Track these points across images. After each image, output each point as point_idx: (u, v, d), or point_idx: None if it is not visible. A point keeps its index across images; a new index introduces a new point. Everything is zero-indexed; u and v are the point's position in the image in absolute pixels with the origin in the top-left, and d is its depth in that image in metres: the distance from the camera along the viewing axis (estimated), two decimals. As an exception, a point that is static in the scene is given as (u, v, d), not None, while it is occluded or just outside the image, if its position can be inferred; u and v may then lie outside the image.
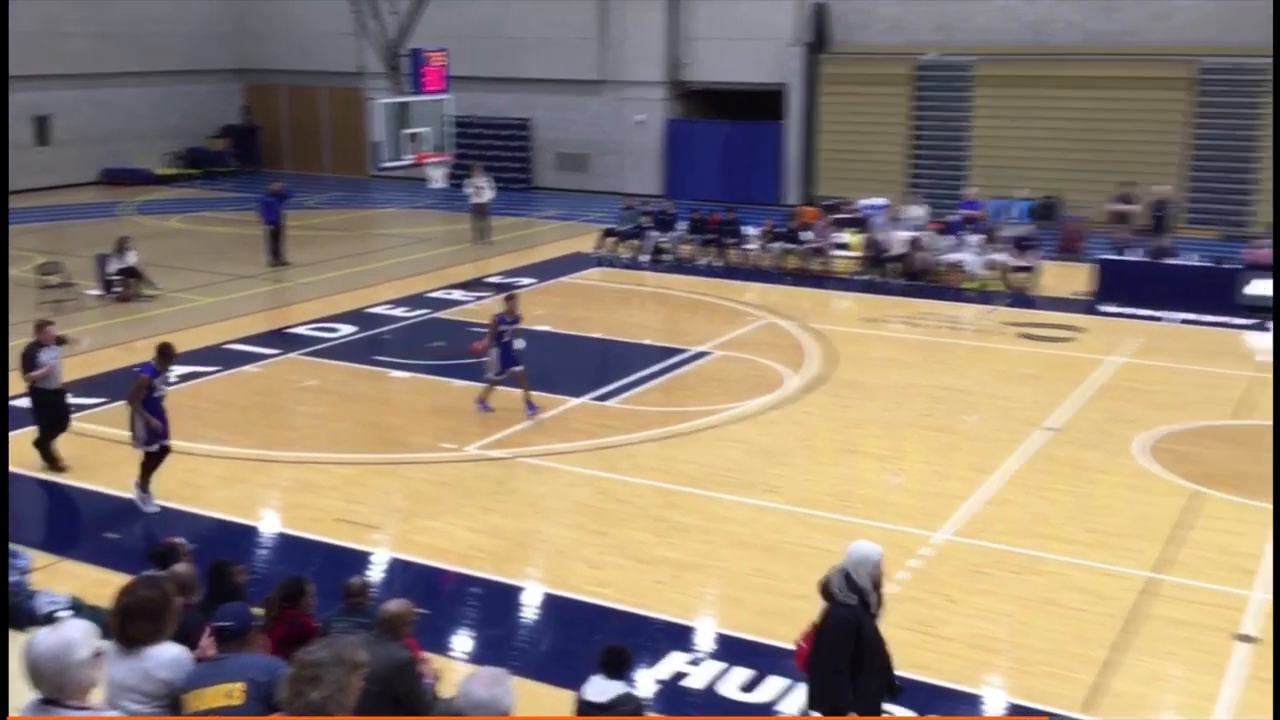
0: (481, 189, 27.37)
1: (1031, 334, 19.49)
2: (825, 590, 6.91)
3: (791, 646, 9.33)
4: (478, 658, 9.30)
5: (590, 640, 8.79)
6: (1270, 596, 10.23)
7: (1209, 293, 20.96)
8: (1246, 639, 9.57)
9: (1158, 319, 20.33)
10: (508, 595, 10.45)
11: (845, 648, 6.66)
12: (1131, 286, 21.48)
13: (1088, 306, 21.35)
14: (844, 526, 11.72)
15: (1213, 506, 12.26)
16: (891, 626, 9.64)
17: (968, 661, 9.25)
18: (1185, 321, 20.24)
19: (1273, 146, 21.85)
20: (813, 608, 10.04)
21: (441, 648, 9.19)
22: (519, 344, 15.03)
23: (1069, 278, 22.76)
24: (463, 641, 9.71)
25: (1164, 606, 10.13)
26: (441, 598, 10.41)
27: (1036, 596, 10.28)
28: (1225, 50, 27.41)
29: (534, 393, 15.03)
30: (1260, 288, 20.79)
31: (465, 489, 12.78)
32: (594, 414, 15.24)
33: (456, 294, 22.13)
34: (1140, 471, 13.31)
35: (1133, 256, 22.81)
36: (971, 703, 8.77)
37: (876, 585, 6.81)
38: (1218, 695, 8.80)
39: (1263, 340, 19.25)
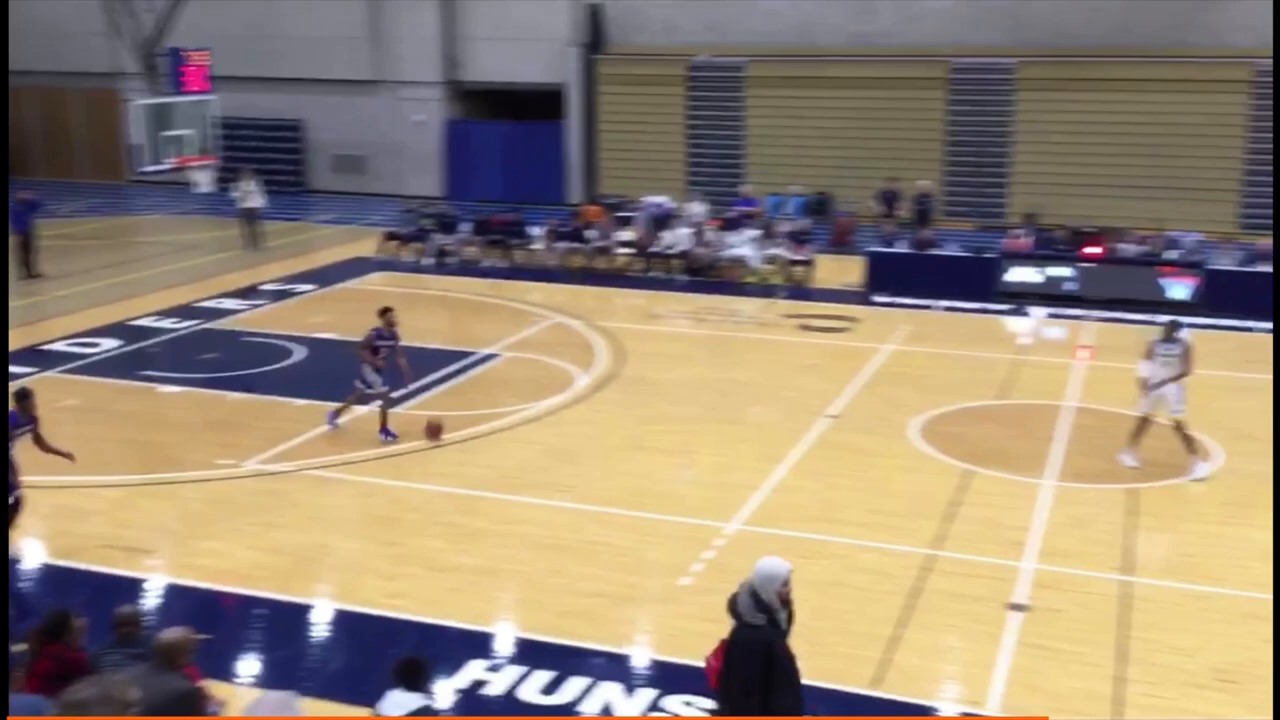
0: (251, 193, 26.35)
1: (810, 325, 20.12)
2: (734, 609, 6.58)
3: (589, 646, 9.36)
4: (266, 682, 8.89)
5: (386, 654, 8.50)
6: (1036, 565, 10.85)
7: (970, 281, 22.14)
8: (1019, 608, 10.09)
9: (925, 307, 21.34)
10: (296, 614, 10.04)
11: (754, 669, 6.38)
12: (900, 277, 22.48)
13: (861, 297, 22.22)
14: (639, 523, 11.80)
15: (982, 483, 12.91)
16: (689, 618, 9.83)
17: (764, 648, 9.42)
18: (949, 309, 21.31)
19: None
20: (611, 606, 10.11)
21: (226, 674, 8.73)
22: (401, 363, 14.36)
23: (842, 270, 23.62)
24: (249, 666, 9.25)
25: (942, 581, 10.59)
26: (224, 622, 9.90)
27: (825, 579, 10.57)
28: (974, 50, 29.03)
29: (318, 403, 14.51)
30: (1017, 275, 22.13)
31: (245, 506, 12.22)
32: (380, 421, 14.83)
33: (229, 303, 21.19)
34: (915, 453, 13.90)
35: (899, 248, 23.87)
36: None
37: (785, 602, 6.54)
38: (994, 663, 9.24)
39: (1021, 324, 20.47)
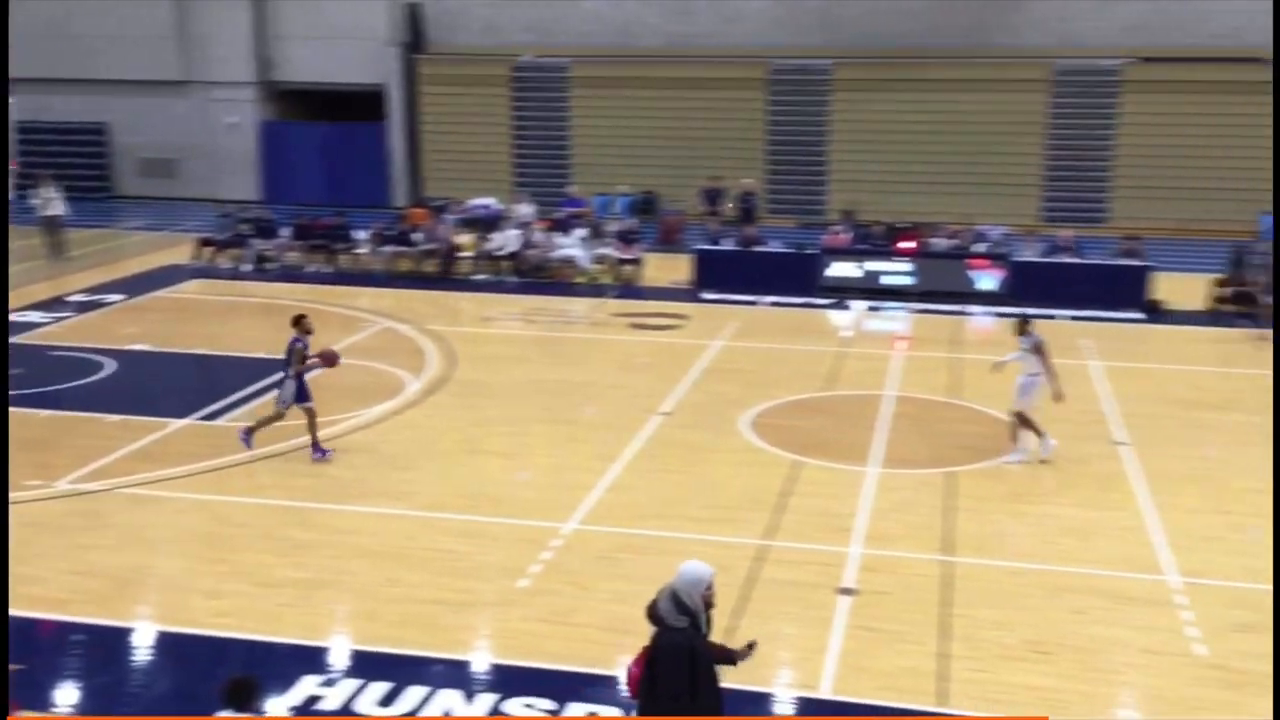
0: (51, 200, 25.09)
1: (641, 324, 20.31)
2: (653, 615, 6.52)
3: (427, 654, 9.24)
4: (86, 710, 8.48)
5: (214, 675, 8.21)
6: (863, 550, 11.22)
7: (794, 277, 22.73)
8: (848, 592, 10.41)
9: (751, 303, 21.80)
10: (117, 638, 9.59)
11: (681, 674, 6.34)
12: (727, 274, 22.92)
13: (689, 295, 22.55)
14: (475, 527, 11.70)
15: (810, 473, 13.26)
16: (527, 620, 9.80)
17: (604, 646, 9.46)
18: (775, 304, 21.83)
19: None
20: (449, 612, 9.99)
21: (43, 704, 8.30)
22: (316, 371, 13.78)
23: (670, 268, 23.92)
24: (68, 695, 8.80)
25: (775, 570, 10.84)
26: (39, 650, 9.39)
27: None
28: (791, 52, 29.80)
29: (134, 418, 13.89)
30: (838, 270, 22.82)
31: (58, 528, 11.62)
32: (201, 435, 14.32)
33: (33, 315, 20.11)
34: (746, 447, 14.19)
35: (726, 246, 24.32)
36: (609, 686, 8.98)
37: (708, 605, 6.55)
38: (826, 646, 9.50)
39: (843, 317, 21.12)
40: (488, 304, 21.94)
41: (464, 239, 24.77)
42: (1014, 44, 28.92)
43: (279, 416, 13.62)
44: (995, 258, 22.68)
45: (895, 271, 22.70)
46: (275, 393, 13.83)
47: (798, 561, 11.06)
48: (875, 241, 24.06)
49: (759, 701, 8.82)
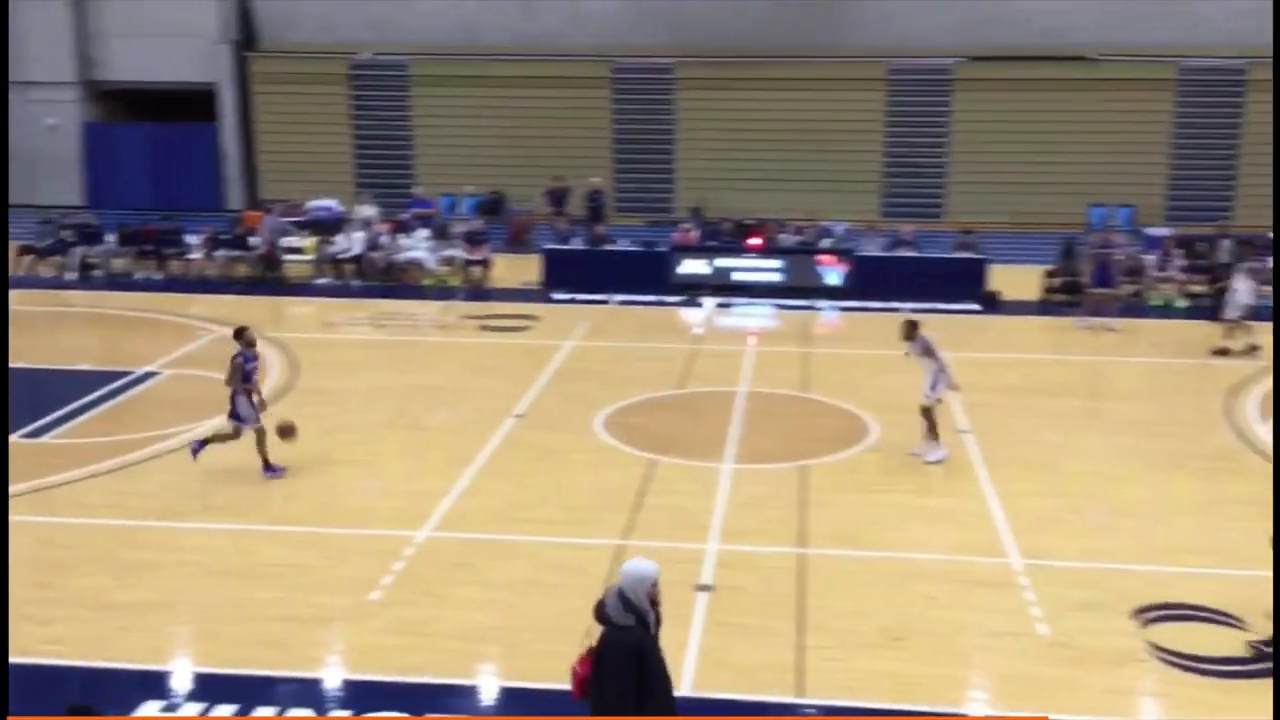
0: None
1: (491, 325, 20.06)
2: (601, 614, 6.40)
3: (277, 673, 8.87)
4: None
5: (49, 706, 7.74)
6: (720, 546, 11.26)
7: (644, 275, 22.77)
8: (705, 588, 10.42)
9: (603, 302, 21.76)
10: (-66, 676, 8.94)
11: (629, 673, 6.25)
12: (577, 273, 22.82)
13: (540, 295, 22.39)
14: (325, 539, 11.33)
15: (666, 471, 13.26)
16: (381, 633, 9.52)
17: (460, 655, 9.27)
18: (625, 302, 21.82)
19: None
20: (299, 629, 9.63)
21: None
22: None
23: (520, 269, 23.71)
24: (-122, 741, 8.16)
25: (634, 570, 10.77)
26: None
27: (521, 580, 10.53)
28: (635, 51, 29.87)
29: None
30: (688, 267, 22.95)
31: None
32: (24, 454, 13.50)
33: None
34: (602, 447, 14.11)
35: (575, 245, 24.22)
36: (468, 695, 8.79)
37: (655, 603, 6.42)
38: (686, 644, 9.48)
39: (695, 314, 21.25)
40: (331, 309, 21.36)
41: (305, 242, 24.08)
42: (852, 44, 29.56)
43: (262, 432, 12.93)
44: (840, 253, 23.14)
45: (744, 268, 22.96)
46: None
47: (657, 560, 10.99)
48: (724, 238, 24.29)
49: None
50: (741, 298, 22.28)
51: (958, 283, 22.09)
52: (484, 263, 23.40)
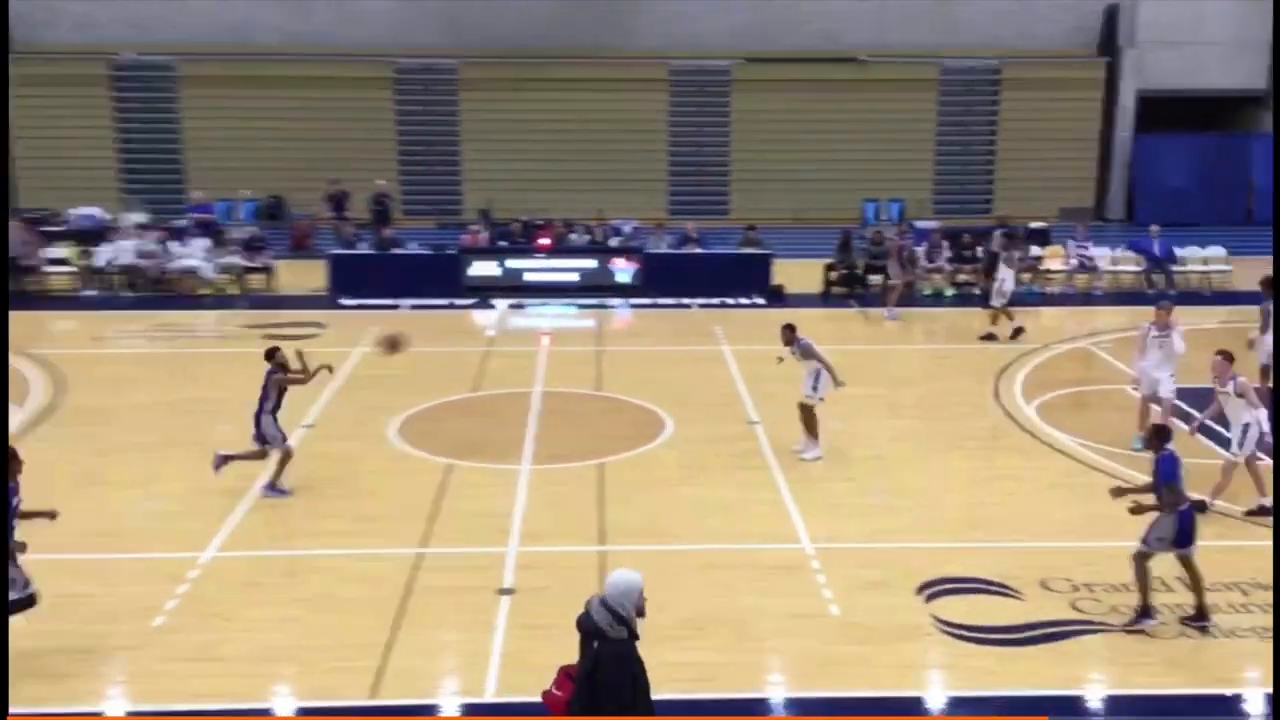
0: None
1: (276, 334, 19.33)
2: (590, 628, 6.27)
3: (52, 710, 8.32)
4: None
5: None
6: (520, 548, 11.21)
7: (435, 278, 22.45)
8: (507, 592, 10.35)
9: (393, 307, 21.34)
10: None
11: (626, 685, 6.19)
12: (365, 278, 22.33)
13: (326, 301, 21.78)
14: (101, 566, 10.72)
15: (464, 476, 13.10)
16: (166, 660, 9.06)
17: (252, 677, 8.91)
18: (416, 307, 21.46)
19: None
20: (75, 660, 9.05)
21: None
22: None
23: (305, 275, 23.00)
24: None
25: (433, 578, 10.60)
26: None
27: (315, 595, 10.21)
28: (416, 51, 29.44)
29: None
30: (479, 269, 22.76)
31: None
32: None
33: None
34: (398, 454, 13.83)
35: (362, 250, 23.68)
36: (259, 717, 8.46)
37: (640, 614, 6.36)
38: (490, 650, 9.39)
39: (487, 317, 21.07)
40: (100, 323, 20.22)
41: (67, 252, 22.71)
42: (632, 45, 29.94)
43: (288, 452, 12.59)
44: (630, 251, 23.38)
45: (536, 268, 22.93)
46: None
47: (456, 567, 10.88)
48: (514, 240, 24.19)
49: (429, 713, 8.58)
50: (534, 298, 22.25)
51: (744, 278, 22.65)
52: (265, 270, 22.60)
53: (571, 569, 10.80)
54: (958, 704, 8.80)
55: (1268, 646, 9.33)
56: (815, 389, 13.77)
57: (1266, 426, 11.90)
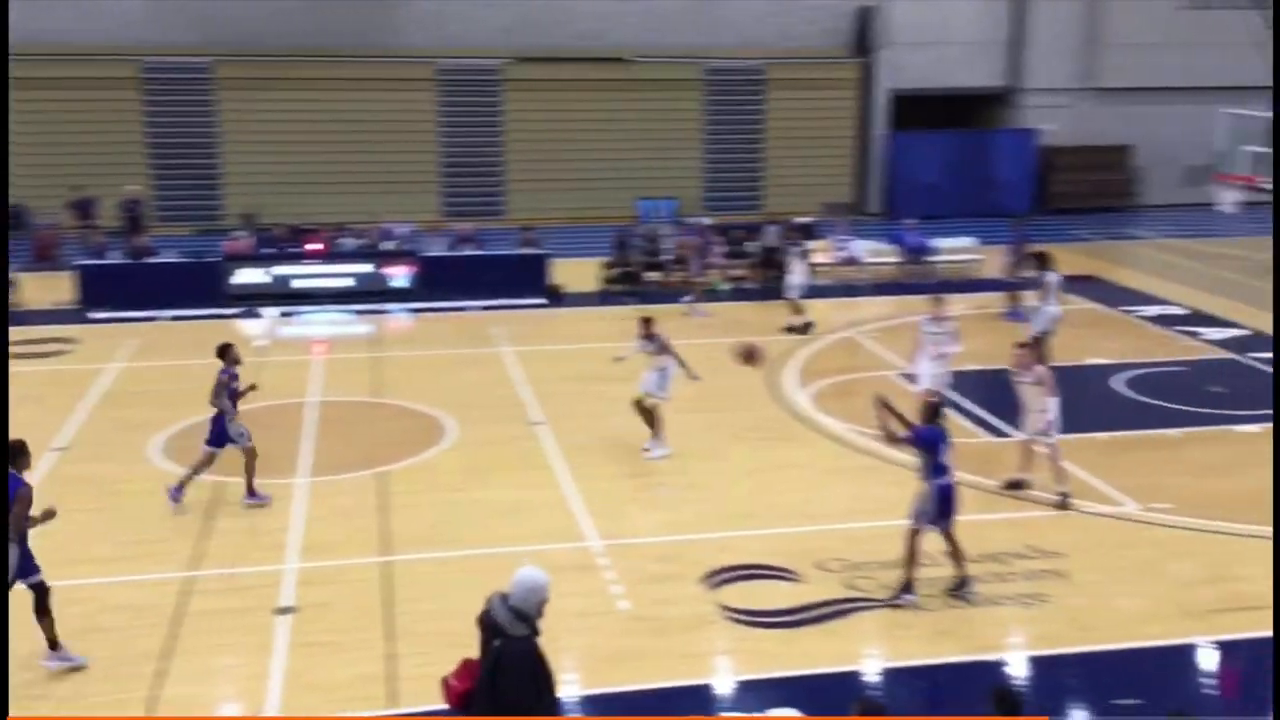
0: None
1: (20, 353, 18.04)
2: (491, 624, 6.33)
3: None
4: None
5: None
6: (300, 564, 10.81)
7: (195, 287, 21.42)
8: (286, 610, 9.95)
9: (151, 319, 20.24)
10: None
11: (528, 682, 6.26)
12: (118, 289, 21.12)
13: (75, 315, 20.50)
14: None
15: (236, 492, 12.49)
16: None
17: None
18: (177, 318, 20.43)
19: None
20: None
21: None
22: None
23: (50, 288, 21.57)
24: None
25: (206, 601, 10.11)
26: None
27: (79, 628, 9.53)
28: (164, 50, 28.04)
29: None
30: (244, 276, 21.85)
31: None
32: None
33: None
34: (162, 474, 13.10)
35: (113, 259, 22.38)
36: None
37: (540, 613, 6.41)
38: (269, 671, 9.03)
39: (255, 326, 20.23)
40: None
41: None
42: (398, 44, 29.38)
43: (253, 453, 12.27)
44: (404, 255, 22.93)
45: (306, 274, 22.20)
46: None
47: (230, 588, 10.39)
48: (281, 245, 23.36)
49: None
50: (305, 305, 21.53)
51: (522, 278, 22.56)
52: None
53: (355, 581, 10.51)
54: (745, 688, 8.99)
55: (1028, 613, 9.95)
56: (662, 387, 13.80)
57: (1054, 414, 12.25)
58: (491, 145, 30.28)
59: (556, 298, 22.36)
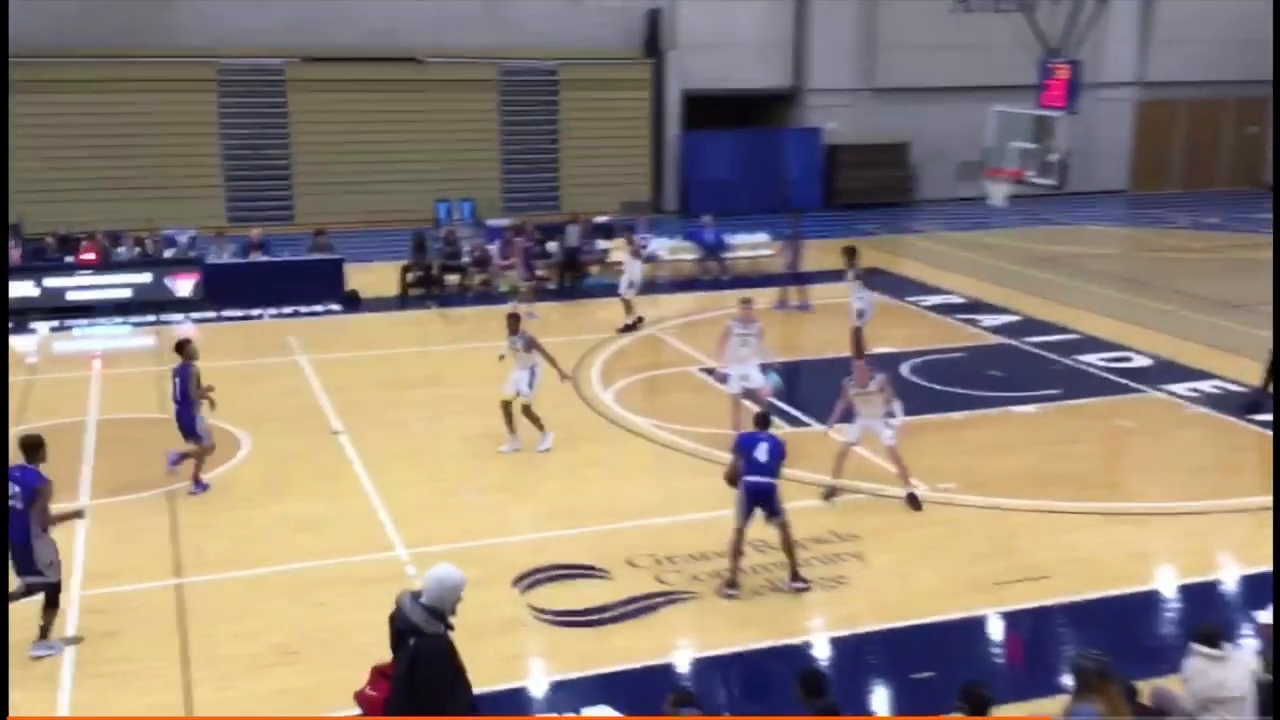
0: None
1: None
2: (404, 626, 6.30)
3: None
4: None
5: None
6: (85, 592, 10.21)
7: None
8: (72, 641, 9.40)
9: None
10: None
11: (445, 678, 6.28)
12: None
13: None
14: None
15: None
16: None
17: None
18: (-62, 336, 19.00)
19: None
20: None
21: None
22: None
23: None
24: None
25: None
26: None
27: None
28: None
29: None
30: (12, 290, 20.46)
31: None
32: None
33: None
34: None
35: None
36: None
37: (454, 610, 6.41)
38: (56, 705, 8.59)
39: (25, 342, 19.01)
40: None
41: None
42: (175, 43, 28.13)
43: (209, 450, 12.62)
44: (187, 263, 21.95)
45: (80, 286, 20.99)
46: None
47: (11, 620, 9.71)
48: (50, 256, 22.02)
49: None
50: (81, 319, 20.36)
51: (316, 284, 21.93)
52: None
53: (146, 607, 10.02)
54: (559, 688, 8.98)
55: (830, 595, 10.27)
56: (531, 386, 13.88)
57: (899, 418, 12.63)
58: (278, 147, 29.36)
59: (354, 303, 21.83)
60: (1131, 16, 34.74)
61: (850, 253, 17.71)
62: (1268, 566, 10.85)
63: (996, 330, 19.73)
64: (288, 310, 21.07)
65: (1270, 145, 36.38)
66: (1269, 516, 11.99)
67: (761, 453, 10.33)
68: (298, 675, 9.00)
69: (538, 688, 9.07)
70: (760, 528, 10.48)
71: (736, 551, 10.36)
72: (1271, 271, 17.20)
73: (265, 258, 22.65)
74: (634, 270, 20.06)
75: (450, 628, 6.38)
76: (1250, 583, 10.71)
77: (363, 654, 9.32)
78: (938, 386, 16.61)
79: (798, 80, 33.29)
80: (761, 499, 10.31)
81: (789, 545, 10.45)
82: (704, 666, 9.34)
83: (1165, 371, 17.14)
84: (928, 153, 33.89)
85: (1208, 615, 9.53)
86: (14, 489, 9.20)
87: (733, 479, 10.45)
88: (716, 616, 9.99)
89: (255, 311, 20.77)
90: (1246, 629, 9.55)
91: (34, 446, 9.56)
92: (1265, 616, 7.60)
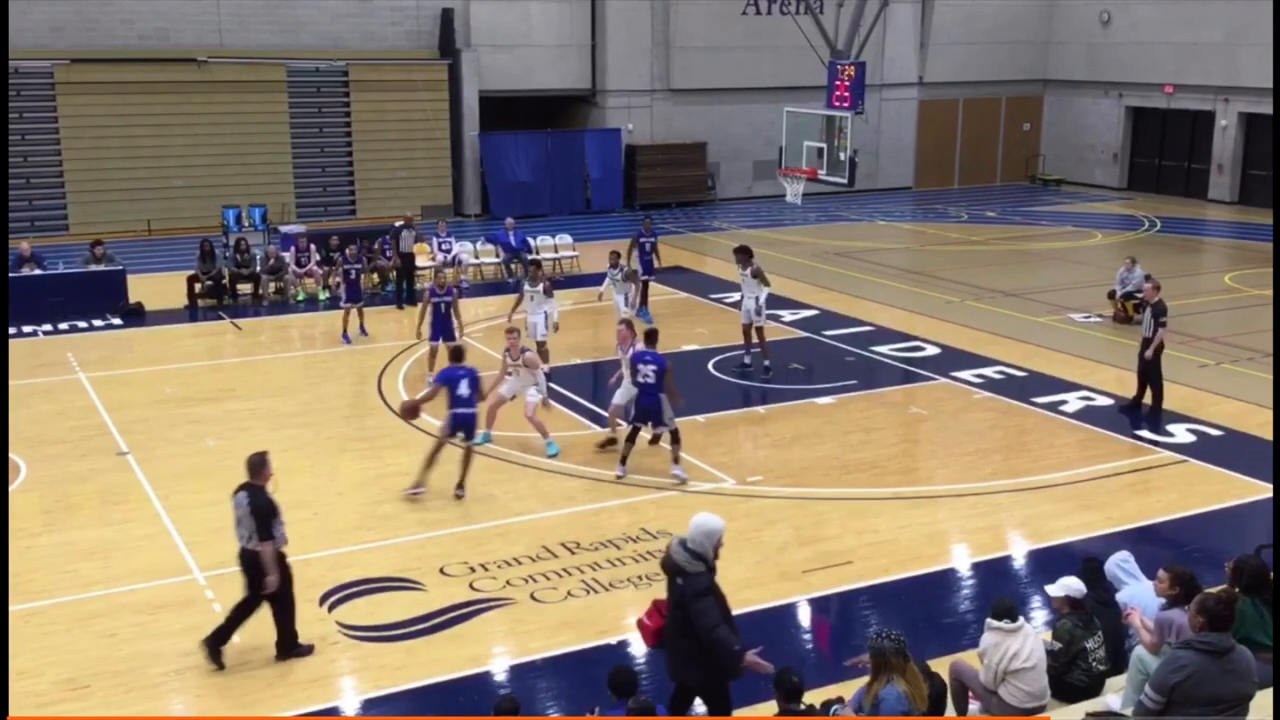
0: None
1: None
2: (672, 565, 7.24)
3: None
4: None
5: None
6: None
7: None
8: None
9: None
10: None
11: (713, 609, 7.10)
12: None
13: None
14: None
15: None
16: None
17: None
18: None
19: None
20: None
21: None
22: None
23: None
24: None
25: None
26: None
27: None
28: None
29: None
30: None
31: None
32: None
33: None
34: None
35: None
36: None
37: (716, 554, 7.30)
38: None
39: None
40: None
41: None
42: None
43: None
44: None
45: None
46: None
47: None
48: None
49: None
50: None
51: (95, 297, 20.72)
52: None
53: (-88, 652, 9.20)
54: (371, 705, 8.72)
55: (642, 594, 10.28)
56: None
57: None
58: (47, 154, 27.65)
59: (137, 316, 20.73)
60: (911, 20, 36.29)
61: (744, 252, 17.76)
62: (1054, 541, 11.49)
63: (795, 324, 20.26)
64: (65, 325, 19.87)
65: (1042, 141, 38.92)
66: (1052, 493, 12.70)
67: (463, 388, 12.25)
68: (92, 710, 8.46)
69: (349, 706, 8.77)
70: (570, 556, 10.43)
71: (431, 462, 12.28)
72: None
73: (38, 271, 21.27)
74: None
75: (712, 569, 7.24)
76: (1037, 556, 11.29)
77: (158, 684, 8.87)
78: (743, 381, 16.93)
79: (595, 81, 33.42)
80: (458, 425, 12.32)
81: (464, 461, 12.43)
82: (522, 672, 9.22)
83: (952, 359, 17.94)
84: (725, 152, 34.55)
85: (1000, 590, 9.99)
86: None
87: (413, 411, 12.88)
88: (530, 621, 9.89)
89: (28, 328, 19.51)
90: (1036, 600, 10.07)
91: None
92: (1054, 589, 7.99)
